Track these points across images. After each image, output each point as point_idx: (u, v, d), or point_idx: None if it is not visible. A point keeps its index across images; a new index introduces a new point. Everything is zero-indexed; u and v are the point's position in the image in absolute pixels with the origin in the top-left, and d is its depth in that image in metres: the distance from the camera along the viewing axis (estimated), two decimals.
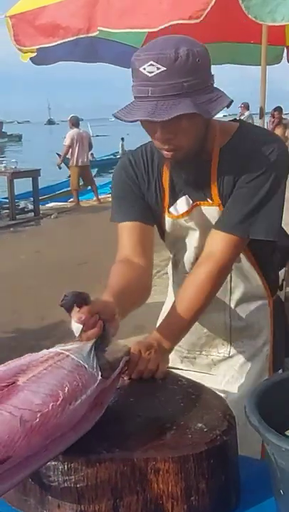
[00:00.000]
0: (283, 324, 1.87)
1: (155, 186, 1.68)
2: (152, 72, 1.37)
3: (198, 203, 1.64)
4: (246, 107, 13.25)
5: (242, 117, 12.69)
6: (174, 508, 1.06)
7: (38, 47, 3.24)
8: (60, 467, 1.06)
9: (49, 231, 9.71)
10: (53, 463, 1.07)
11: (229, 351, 1.81)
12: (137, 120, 1.43)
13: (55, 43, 3.17)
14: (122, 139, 22.13)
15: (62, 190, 13.54)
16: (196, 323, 1.63)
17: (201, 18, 2.84)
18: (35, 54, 3.51)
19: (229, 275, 1.67)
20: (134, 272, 1.57)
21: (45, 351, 1.16)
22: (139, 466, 1.05)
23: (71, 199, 12.41)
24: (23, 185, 11.16)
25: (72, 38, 3.16)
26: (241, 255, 1.67)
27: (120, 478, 1.05)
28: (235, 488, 1.15)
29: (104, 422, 1.14)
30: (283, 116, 12.46)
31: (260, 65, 4.84)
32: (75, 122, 11.82)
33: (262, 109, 4.14)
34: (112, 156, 20.68)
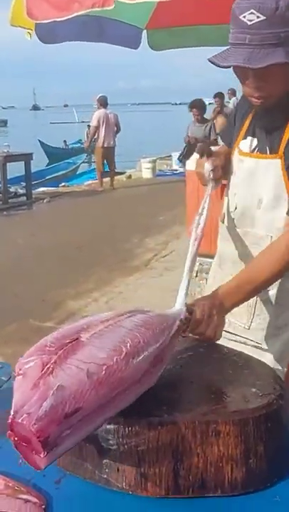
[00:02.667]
0: None
1: (240, 122, 1.76)
2: (252, 20, 1.41)
3: (259, 153, 1.68)
4: (233, 93, 13.21)
5: (229, 103, 12.71)
6: (234, 470, 1.08)
7: (51, 20, 3.19)
8: (121, 430, 1.07)
9: (42, 215, 9.68)
10: (114, 426, 1.07)
11: (250, 324, 1.78)
12: (232, 65, 1.47)
13: (68, 17, 3.13)
14: (89, 126, 21.46)
15: (53, 175, 13.48)
16: None
17: None
18: (34, 31, 3.47)
19: (268, 244, 1.65)
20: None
21: (102, 314, 1.17)
22: (200, 428, 1.06)
23: (62, 184, 12.37)
24: (10, 171, 11.00)
25: (86, 11, 3.11)
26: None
27: (181, 441, 1.06)
28: (288, 453, 1.17)
29: (160, 388, 1.15)
30: (225, 104, 11.95)
31: None
32: (104, 102, 11.29)
33: None
34: (79, 144, 20.16)
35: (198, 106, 9.48)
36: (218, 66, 1.47)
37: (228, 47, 1.48)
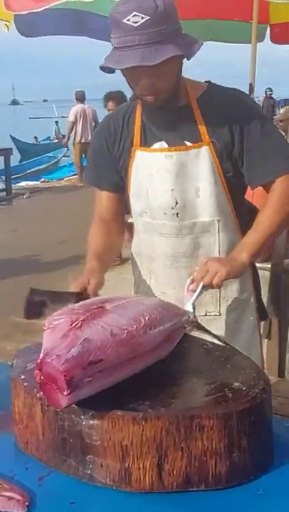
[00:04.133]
0: (256, 276, 1.95)
1: (128, 131, 1.77)
2: (137, 22, 1.47)
3: (180, 147, 1.70)
4: None
5: None
6: (217, 464, 1.08)
7: (28, 12, 3.19)
8: (105, 426, 1.07)
9: (23, 210, 9.59)
10: (97, 422, 1.07)
11: (219, 310, 1.82)
12: (129, 67, 1.50)
13: (46, 7, 3.13)
14: (56, 122, 20.80)
15: (34, 169, 13.35)
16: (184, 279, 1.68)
17: None
18: (14, 24, 3.45)
19: (217, 229, 1.75)
20: (110, 235, 1.87)
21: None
22: (184, 423, 1.06)
23: (42, 179, 12.28)
24: None
25: (62, 2, 3.11)
26: (228, 212, 1.75)
27: (166, 436, 1.06)
28: (272, 446, 1.18)
29: (143, 383, 1.15)
30: None
31: (243, 42, 4.85)
32: (81, 97, 11.14)
33: (251, 86, 4.17)
34: (48, 141, 19.90)
35: (116, 98, 6.52)
36: (113, 69, 1.54)
37: (113, 50, 1.53)
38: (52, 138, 19.47)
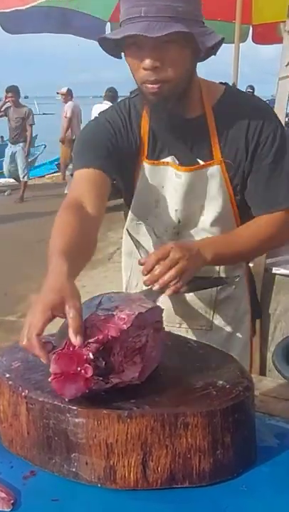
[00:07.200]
0: (254, 293, 1.93)
1: (134, 138, 1.60)
2: None
3: (190, 167, 1.57)
4: None
5: None
6: (201, 461, 1.09)
7: (13, 9, 3.18)
8: (90, 424, 1.07)
9: (3, 208, 9.53)
10: (83, 420, 1.08)
11: (211, 324, 1.79)
12: (127, 35, 1.34)
13: (32, 4, 3.12)
14: (31, 125, 20.65)
15: None
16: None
17: None
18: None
19: None
20: (83, 226, 1.37)
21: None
22: (169, 421, 1.07)
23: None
24: None
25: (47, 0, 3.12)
26: (232, 224, 1.65)
27: (150, 434, 1.07)
28: (254, 443, 1.19)
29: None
30: None
31: (226, 42, 4.85)
32: (71, 95, 11.25)
33: (234, 85, 4.19)
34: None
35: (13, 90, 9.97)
36: (112, 39, 1.39)
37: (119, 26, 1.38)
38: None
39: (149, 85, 1.42)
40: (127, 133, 1.59)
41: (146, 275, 1.37)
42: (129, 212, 1.73)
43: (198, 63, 1.50)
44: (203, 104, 1.55)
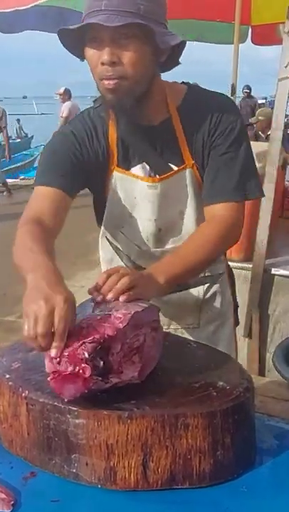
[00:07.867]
0: (234, 285, 1.93)
1: (101, 148, 1.57)
2: None
3: (164, 176, 1.56)
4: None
5: None
6: (201, 462, 1.09)
7: (12, 9, 3.17)
8: (91, 425, 1.07)
9: (2, 208, 9.53)
10: (83, 420, 1.08)
11: (199, 322, 1.80)
12: (86, 24, 1.33)
13: (31, 5, 3.11)
14: (18, 120, 19.40)
15: (10, 167, 13.23)
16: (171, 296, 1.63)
17: None
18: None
19: None
20: (45, 236, 1.39)
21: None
22: (169, 422, 1.07)
23: (22, 176, 12.21)
24: None
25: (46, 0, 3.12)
26: None
27: (151, 434, 1.07)
28: (254, 444, 1.19)
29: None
30: None
31: (225, 43, 4.88)
32: (69, 94, 11.03)
33: (233, 86, 4.20)
34: (10, 141, 19.18)
35: None
36: (70, 29, 1.36)
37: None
38: (14, 137, 18.89)
39: (106, 81, 1.39)
40: (92, 143, 1.57)
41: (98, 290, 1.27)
42: (103, 220, 1.70)
43: (170, 71, 1.52)
44: (168, 107, 1.54)
